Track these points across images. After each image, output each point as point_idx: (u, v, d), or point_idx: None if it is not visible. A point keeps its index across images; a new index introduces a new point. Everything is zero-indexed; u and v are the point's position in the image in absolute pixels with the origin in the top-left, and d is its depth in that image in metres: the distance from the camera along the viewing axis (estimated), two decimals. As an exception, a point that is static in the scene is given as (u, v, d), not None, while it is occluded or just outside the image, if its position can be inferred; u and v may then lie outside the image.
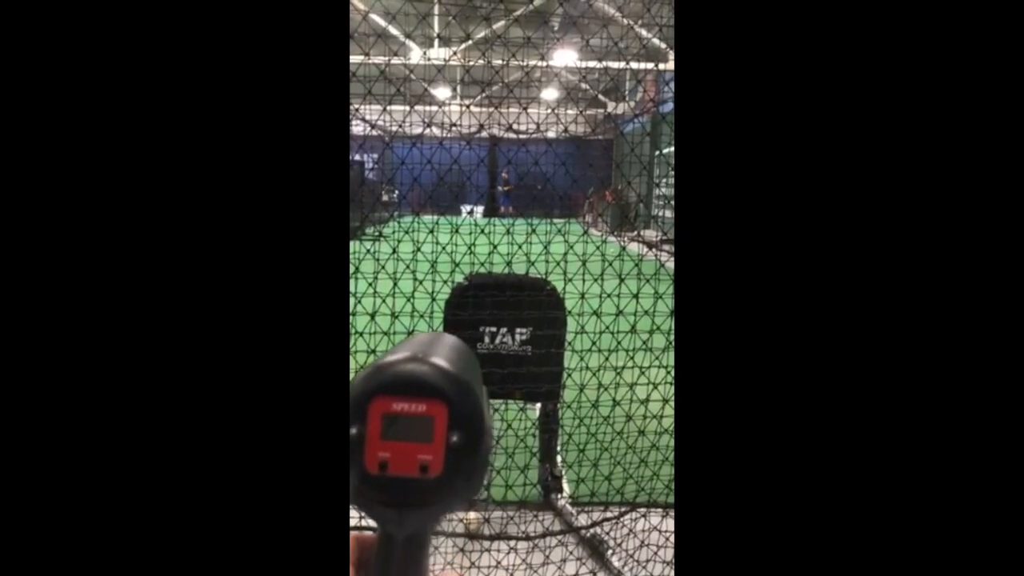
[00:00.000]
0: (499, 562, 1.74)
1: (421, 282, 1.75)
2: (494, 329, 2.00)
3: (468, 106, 1.84)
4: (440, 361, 0.36)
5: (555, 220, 1.97)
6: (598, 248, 1.82)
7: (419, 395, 0.35)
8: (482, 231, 1.83)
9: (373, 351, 1.73)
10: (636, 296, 1.80)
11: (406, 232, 1.78)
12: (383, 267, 1.74)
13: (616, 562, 1.89)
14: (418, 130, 1.89)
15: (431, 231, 1.78)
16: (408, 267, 1.74)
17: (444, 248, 1.78)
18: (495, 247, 1.80)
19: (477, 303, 1.93)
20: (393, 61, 1.84)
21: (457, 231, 1.83)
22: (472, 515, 2.05)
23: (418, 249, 1.75)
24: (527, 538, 1.84)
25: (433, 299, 1.79)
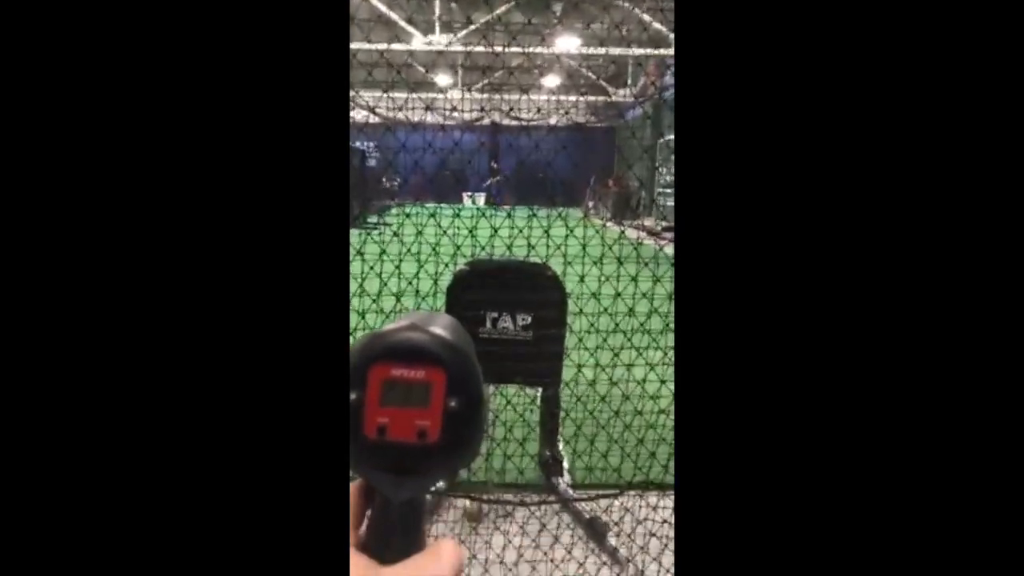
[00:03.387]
0: (497, 526, 1.77)
1: (423, 266, 1.77)
2: (495, 314, 2.01)
3: (469, 88, 1.85)
4: (438, 330, 0.37)
5: (556, 208, 1.98)
6: (597, 232, 1.83)
7: (418, 361, 0.36)
8: (483, 215, 1.84)
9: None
10: (635, 279, 1.82)
11: (407, 215, 1.80)
12: (384, 251, 1.76)
13: (614, 542, 1.92)
14: (419, 116, 1.89)
15: (432, 215, 1.80)
16: (409, 251, 1.75)
17: (446, 232, 1.80)
18: (495, 231, 1.82)
19: (479, 287, 1.95)
20: (394, 46, 1.84)
21: (458, 215, 1.84)
22: (469, 504, 2.08)
23: (419, 232, 1.77)
24: (524, 503, 1.87)
25: (435, 282, 1.81)
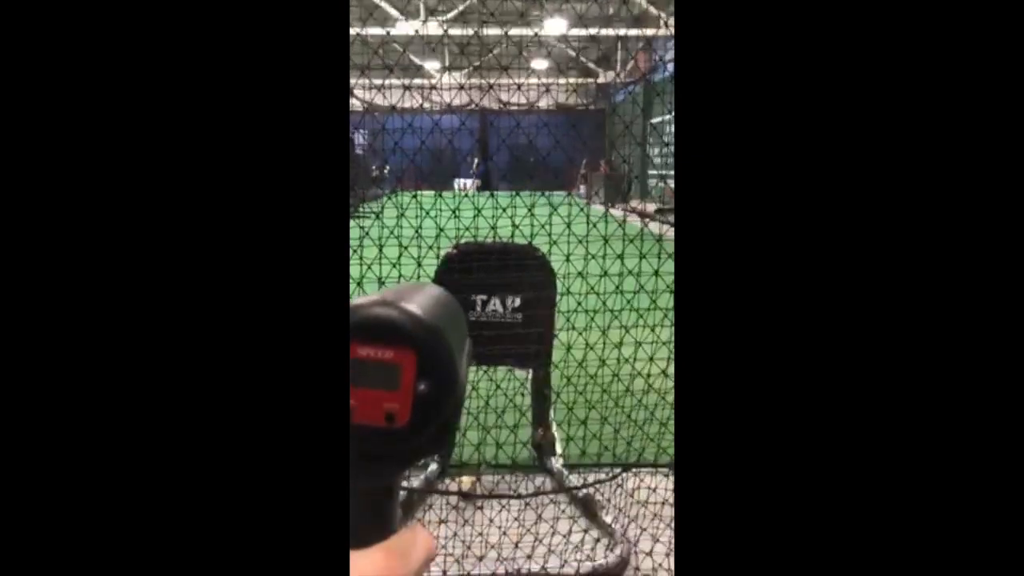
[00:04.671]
0: (492, 520, 1.78)
1: (406, 248, 1.76)
2: (484, 297, 2.01)
3: (447, 70, 1.83)
4: (410, 306, 0.34)
5: (545, 192, 1.96)
6: (582, 210, 1.82)
7: (386, 340, 0.34)
8: (465, 195, 1.83)
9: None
10: (620, 257, 1.81)
11: (389, 198, 1.78)
12: (367, 233, 1.75)
13: (608, 519, 1.93)
14: (406, 103, 1.87)
15: (413, 196, 1.78)
16: (392, 234, 1.74)
17: (428, 213, 1.78)
18: (479, 211, 1.81)
19: (466, 271, 1.94)
20: (376, 31, 1.81)
21: (440, 196, 1.83)
22: (465, 478, 2.09)
23: (401, 215, 1.75)
24: (518, 496, 1.88)
25: (419, 264, 1.80)
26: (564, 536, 1.79)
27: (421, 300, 0.36)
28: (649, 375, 1.87)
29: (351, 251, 1.73)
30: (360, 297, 0.36)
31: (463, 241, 1.94)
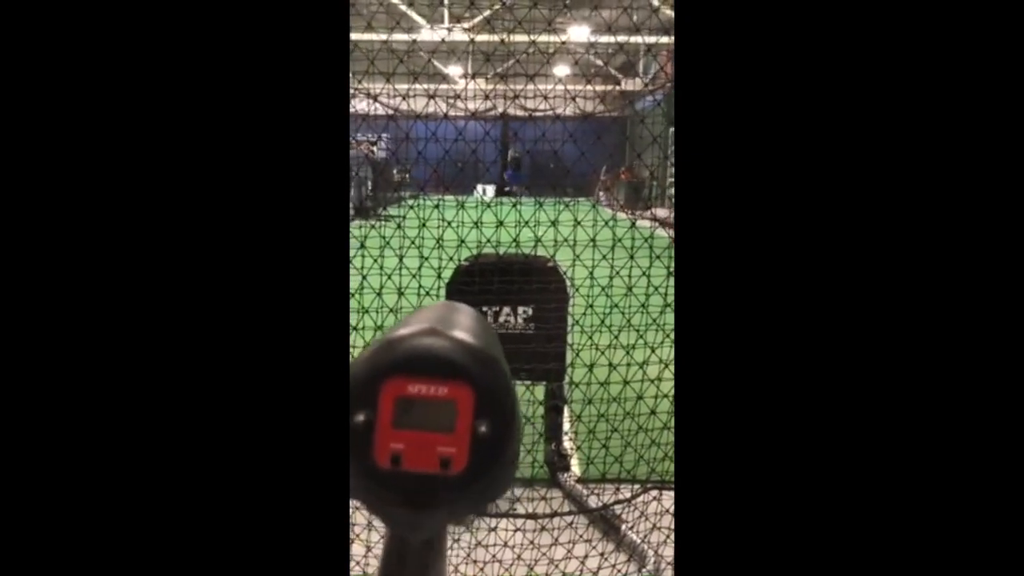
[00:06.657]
0: (506, 542, 1.73)
1: (426, 259, 1.73)
2: (496, 308, 1.97)
3: (473, 77, 1.79)
4: (463, 335, 0.31)
5: (565, 199, 1.92)
6: (606, 224, 1.77)
7: (440, 375, 0.30)
8: (488, 206, 1.79)
9: (380, 327, 1.70)
10: (646, 274, 1.75)
11: (410, 207, 1.75)
12: (387, 243, 1.72)
13: (634, 537, 1.87)
14: (430, 109, 1.84)
15: (436, 206, 1.75)
16: (413, 243, 1.71)
17: (451, 224, 1.75)
18: (501, 223, 1.76)
19: (481, 282, 1.91)
20: (401, 37, 1.79)
21: (462, 207, 1.79)
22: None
23: (423, 225, 1.72)
24: (533, 516, 1.83)
25: (439, 276, 1.76)
26: (600, 555, 1.73)
27: (468, 326, 0.32)
28: (672, 395, 1.81)
29: (372, 260, 1.70)
30: (399, 327, 0.31)
31: (482, 251, 1.90)
